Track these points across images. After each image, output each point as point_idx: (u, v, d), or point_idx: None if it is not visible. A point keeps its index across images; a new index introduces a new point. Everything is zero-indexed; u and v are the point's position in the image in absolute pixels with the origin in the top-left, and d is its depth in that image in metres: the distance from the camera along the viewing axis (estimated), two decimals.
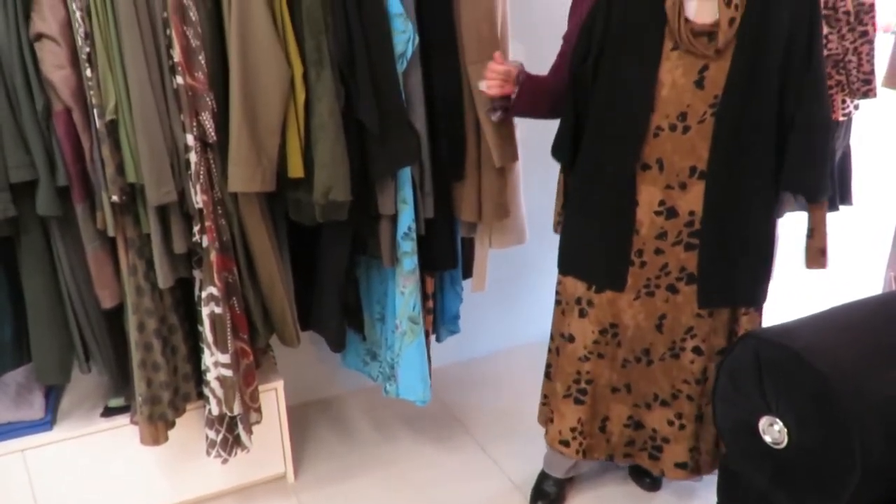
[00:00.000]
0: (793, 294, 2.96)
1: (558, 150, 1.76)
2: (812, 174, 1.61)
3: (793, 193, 1.69)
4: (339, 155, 1.67)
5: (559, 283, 1.83)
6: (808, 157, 1.59)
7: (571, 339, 1.78)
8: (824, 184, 1.63)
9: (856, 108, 2.24)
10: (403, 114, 1.75)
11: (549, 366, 1.94)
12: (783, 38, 1.52)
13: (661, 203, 1.63)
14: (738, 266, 1.66)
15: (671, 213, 1.63)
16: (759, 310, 1.74)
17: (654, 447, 1.85)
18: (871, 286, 3.09)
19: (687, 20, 1.52)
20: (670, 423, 1.80)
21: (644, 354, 1.76)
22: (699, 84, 1.55)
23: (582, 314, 1.76)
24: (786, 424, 1.41)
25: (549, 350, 1.92)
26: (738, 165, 1.59)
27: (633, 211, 1.65)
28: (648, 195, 1.63)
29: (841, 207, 2.33)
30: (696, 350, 1.73)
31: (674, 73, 1.55)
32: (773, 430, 1.43)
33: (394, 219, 1.84)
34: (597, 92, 1.64)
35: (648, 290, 1.70)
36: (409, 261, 1.87)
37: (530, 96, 1.76)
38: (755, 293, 1.71)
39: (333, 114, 1.65)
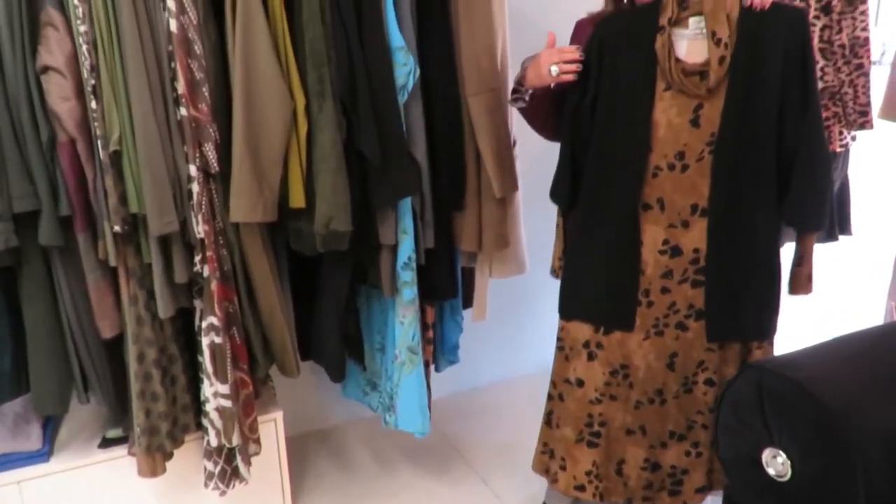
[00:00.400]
0: (794, 325, 2.95)
1: (556, 194, 1.77)
2: (813, 210, 1.62)
3: (791, 227, 1.70)
4: (340, 185, 1.68)
5: (561, 328, 1.80)
6: (810, 195, 1.61)
7: (580, 383, 1.76)
8: (823, 218, 1.65)
9: (853, 139, 2.26)
10: (404, 145, 1.77)
11: (549, 413, 1.87)
12: (777, 77, 1.54)
13: (665, 242, 1.63)
14: (745, 300, 1.66)
15: (675, 251, 1.63)
16: (770, 342, 1.74)
17: (675, 482, 1.82)
18: (871, 316, 3.08)
19: (678, 60, 1.54)
20: (688, 454, 1.78)
21: (657, 395, 1.74)
22: (695, 123, 1.56)
23: (591, 357, 1.74)
24: (789, 456, 1.40)
25: (550, 397, 1.86)
26: (739, 201, 1.60)
27: (638, 251, 1.65)
28: (652, 235, 1.64)
29: (840, 237, 2.34)
30: (709, 382, 1.72)
31: (668, 112, 1.57)
32: (776, 463, 1.42)
33: (394, 249, 1.85)
34: (593, 134, 1.65)
35: (657, 329, 1.69)
36: (408, 291, 1.87)
37: (540, 100, 1.76)
38: (764, 327, 1.70)
39: (335, 145, 1.67)
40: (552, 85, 1.68)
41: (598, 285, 1.71)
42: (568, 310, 1.78)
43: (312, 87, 1.65)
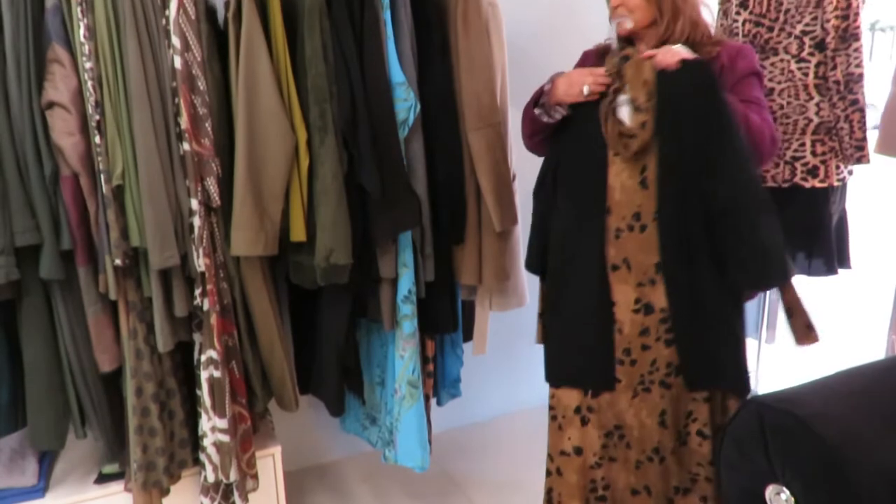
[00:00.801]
0: (794, 358, 2.94)
1: (529, 263, 1.81)
2: (758, 268, 1.56)
3: (749, 290, 1.66)
4: (341, 218, 1.69)
5: (552, 396, 1.79)
6: (747, 253, 1.55)
7: (578, 451, 1.75)
8: (775, 272, 1.58)
9: (850, 173, 2.28)
10: (405, 179, 1.78)
11: (549, 490, 1.82)
12: (697, 132, 1.54)
13: (637, 301, 1.65)
14: (714, 353, 1.64)
15: (648, 309, 1.64)
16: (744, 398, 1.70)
17: None
18: (872, 350, 3.07)
19: (620, 125, 1.59)
20: None
21: (655, 453, 1.72)
22: (643, 184, 1.60)
23: (584, 422, 1.73)
24: (793, 493, 1.38)
25: (549, 472, 1.82)
26: (690, 257, 1.60)
27: (611, 311, 1.66)
28: (624, 294, 1.65)
29: (840, 271, 2.35)
30: (701, 433, 1.70)
31: (621, 176, 1.61)
32: (780, 500, 1.40)
33: (394, 282, 1.85)
34: (558, 202, 1.70)
35: (644, 386, 1.68)
36: (408, 324, 1.87)
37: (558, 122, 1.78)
38: (737, 377, 1.67)
39: (336, 178, 1.68)
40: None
41: (578, 349, 1.72)
42: (554, 377, 1.78)
43: (314, 121, 1.67)
